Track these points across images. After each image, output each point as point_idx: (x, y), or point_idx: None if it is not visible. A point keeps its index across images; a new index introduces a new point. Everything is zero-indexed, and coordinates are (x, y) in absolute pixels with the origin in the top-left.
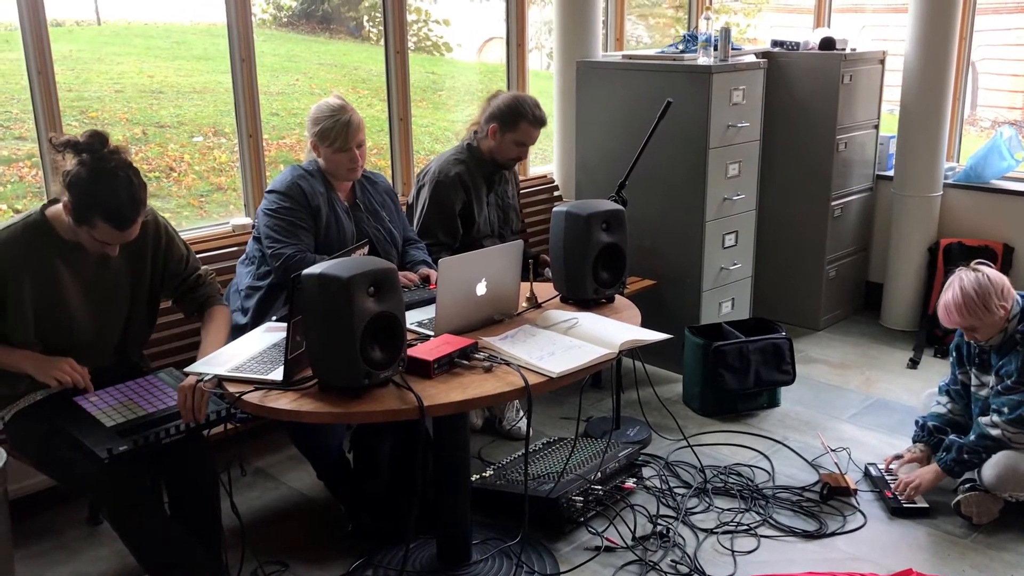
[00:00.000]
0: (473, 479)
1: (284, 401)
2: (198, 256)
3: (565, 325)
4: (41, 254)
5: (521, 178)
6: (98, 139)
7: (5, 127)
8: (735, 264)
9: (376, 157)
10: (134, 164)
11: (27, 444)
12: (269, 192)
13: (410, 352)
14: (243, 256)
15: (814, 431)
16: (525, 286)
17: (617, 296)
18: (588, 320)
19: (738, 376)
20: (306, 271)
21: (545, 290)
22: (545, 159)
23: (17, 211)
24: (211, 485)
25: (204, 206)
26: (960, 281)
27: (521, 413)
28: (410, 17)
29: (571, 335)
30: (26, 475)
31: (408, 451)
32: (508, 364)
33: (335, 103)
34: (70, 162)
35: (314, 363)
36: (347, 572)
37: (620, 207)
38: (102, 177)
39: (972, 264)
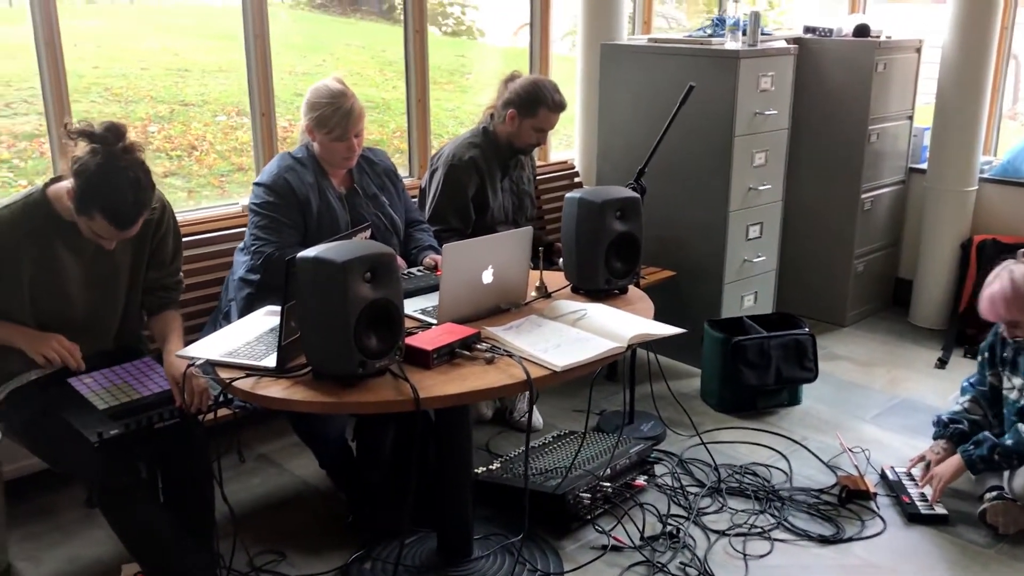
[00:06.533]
0: (479, 471)
1: (276, 389)
2: (208, 235)
3: (573, 316)
4: (41, 234)
5: (541, 163)
6: (114, 132)
7: (29, 103)
8: (759, 256)
9: (399, 140)
10: (146, 164)
11: (19, 425)
12: (256, 185)
13: (409, 341)
14: (241, 244)
15: (835, 431)
16: (535, 275)
17: (631, 287)
18: (597, 312)
19: (758, 372)
20: (301, 254)
21: (557, 279)
22: (568, 144)
23: None
24: (205, 472)
25: (224, 186)
26: (1010, 273)
27: (532, 405)
28: None
29: (579, 327)
30: (23, 456)
31: (411, 442)
32: (511, 356)
33: (335, 88)
34: (81, 148)
35: (307, 350)
36: (345, 564)
37: (636, 195)
38: (110, 173)
39: (1021, 255)
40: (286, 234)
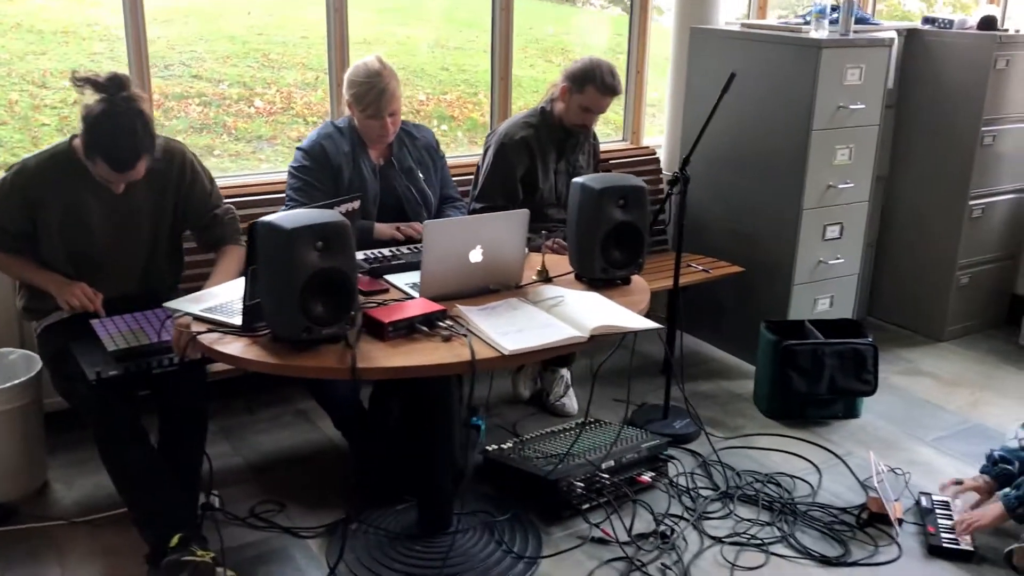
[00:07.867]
0: (490, 448)
1: (235, 347)
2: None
3: (550, 302)
4: (66, 180)
5: (631, 147)
6: (116, 82)
7: (186, 65)
8: (837, 258)
9: None
10: (145, 112)
11: (47, 358)
12: (297, 149)
13: (370, 312)
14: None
15: (886, 449)
16: (538, 258)
17: (636, 278)
18: (575, 299)
19: (808, 379)
20: (260, 219)
21: (562, 264)
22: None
23: None
24: (198, 421)
25: None
26: None
27: (570, 389)
28: None
29: (552, 313)
30: None
31: (412, 413)
32: (465, 335)
33: (373, 67)
34: (90, 97)
35: (265, 313)
36: (330, 523)
37: (642, 184)
38: (110, 119)
39: None
40: (316, 197)
